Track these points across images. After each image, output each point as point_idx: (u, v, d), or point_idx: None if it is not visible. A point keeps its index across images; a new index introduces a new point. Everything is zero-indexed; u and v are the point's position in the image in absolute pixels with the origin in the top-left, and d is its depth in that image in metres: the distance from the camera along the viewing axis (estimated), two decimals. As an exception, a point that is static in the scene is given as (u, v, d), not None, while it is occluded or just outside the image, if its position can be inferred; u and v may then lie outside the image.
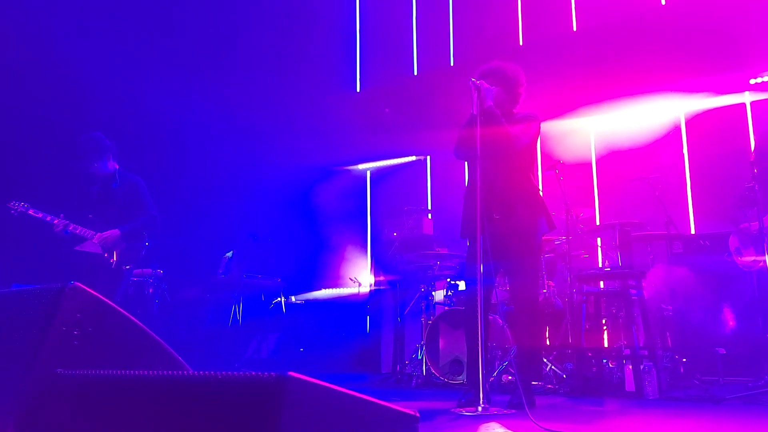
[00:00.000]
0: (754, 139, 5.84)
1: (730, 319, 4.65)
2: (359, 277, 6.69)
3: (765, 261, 3.67)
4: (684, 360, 4.67)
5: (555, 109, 6.44)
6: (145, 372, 1.27)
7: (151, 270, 5.62)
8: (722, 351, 4.48)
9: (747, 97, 5.98)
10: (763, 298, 3.81)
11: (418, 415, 1.32)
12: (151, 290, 5.66)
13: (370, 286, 6.61)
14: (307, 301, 7.19)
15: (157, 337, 1.61)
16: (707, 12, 6.11)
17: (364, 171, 8.37)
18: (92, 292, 1.51)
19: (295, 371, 1.05)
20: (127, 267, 4.39)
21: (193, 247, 7.00)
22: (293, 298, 7.10)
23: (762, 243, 3.74)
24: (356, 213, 8.15)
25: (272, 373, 1.01)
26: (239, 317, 6.45)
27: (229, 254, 6.94)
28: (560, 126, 6.66)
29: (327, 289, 7.46)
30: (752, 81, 5.88)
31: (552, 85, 6.48)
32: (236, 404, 1.08)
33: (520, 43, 7.43)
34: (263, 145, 7.99)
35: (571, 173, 5.57)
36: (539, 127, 3.52)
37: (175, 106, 6.85)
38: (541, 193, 3.72)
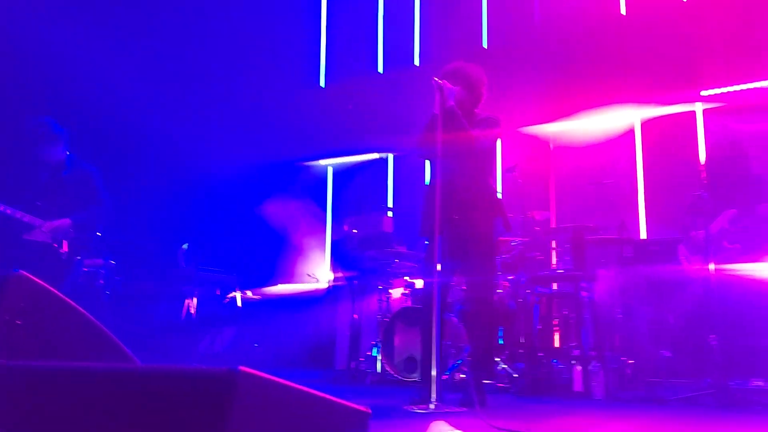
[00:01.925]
0: (705, 149, 6.06)
1: (675, 324, 4.80)
2: (317, 273, 6.66)
3: (710, 268, 3.81)
4: (631, 362, 4.80)
5: (515, 113, 6.54)
6: (92, 364, 1.24)
7: (102, 260, 5.46)
8: (667, 354, 4.64)
9: (698, 106, 6.19)
10: (707, 305, 3.95)
11: (369, 411, 1.32)
12: (102, 281, 5.50)
13: (328, 282, 6.59)
14: (264, 296, 7.12)
15: (105, 329, 1.57)
16: (665, 24, 6.31)
17: (326, 167, 8.34)
18: (38, 281, 1.47)
19: (248, 366, 1.04)
20: (78, 257, 4.27)
21: (148, 238, 6.85)
22: (249, 293, 7.02)
23: (708, 250, 3.88)
24: (318, 208, 8.12)
25: (222, 367, 1.00)
26: (193, 311, 6.34)
27: (185, 246, 6.82)
28: (520, 129, 6.77)
29: (284, 285, 7.41)
30: (703, 93, 6.09)
31: (513, 89, 6.58)
32: (184, 398, 1.06)
33: (484, 46, 7.52)
34: (224, 138, 7.86)
35: (529, 176, 5.67)
36: (500, 130, 3.57)
37: (133, 95, 6.68)
38: (499, 195, 3.78)
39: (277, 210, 7.65)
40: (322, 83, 8.62)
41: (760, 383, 3.73)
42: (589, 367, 4.02)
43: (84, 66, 6.23)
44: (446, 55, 7.00)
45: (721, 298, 3.71)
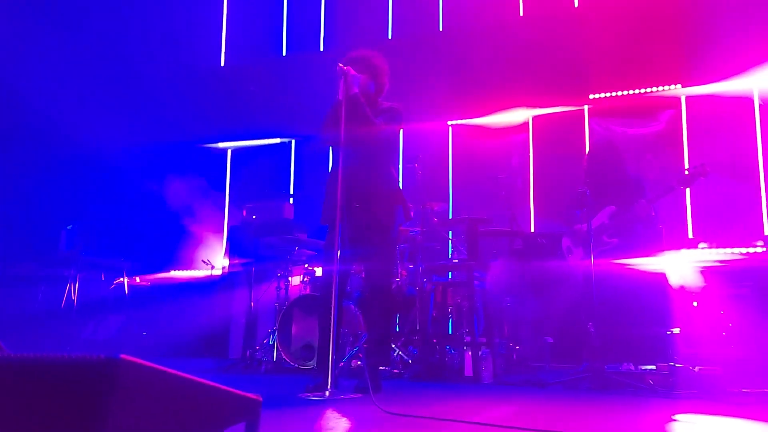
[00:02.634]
0: (588, 147, 6.47)
1: (558, 312, 5.11)
2: (212, 259, 6.46)
3: (591, 261, 4.08)
4: (517, 348, 5.08)
5: (417, 105, 6.65)
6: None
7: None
8: (550, 340, 4.95)
9: (586, 108, 6.60)
10: (587, 294, 4.23)
11: (260, 399, 1.30)
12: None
13: (223, 269, 6.40)
14: (155, 283, 6.81)
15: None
16: (559, 28, 6.65)
17: (225, 150, 8.08)
18: None
19: (134, 355, 0.99)
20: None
21: (27, 218, 6.34)
22: (138, 279, 6.68)
23: (589, 243, 4.16)
24: (215, 192, 7.86)
25: (101, 355, 0.94)
26: (74, 296, 5.95)
27: (69, 227, 6.37)
28: (421, 121, 6.90)
29: (177, 271, 7.12)
30: (591, 96, 6.50)
31: (416, 82, 6.70)
32: (61, 388, 0.99)
33: (389, 37, 7.58)
34: (117, 117, 7.41)
35: (429, 168, 5.80)
36: (402, 120, 3.61)
37: (21, 72, 6.13)
38: (400, 185, 3.83)
39: (171, 193, 7.32)
40: (222, 62, 8.33)
41: (631, 367, 4.05)
42: (479, 353, 4.20)
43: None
44: (352, 43, 7.00)
45: (599, 289, 3.99)
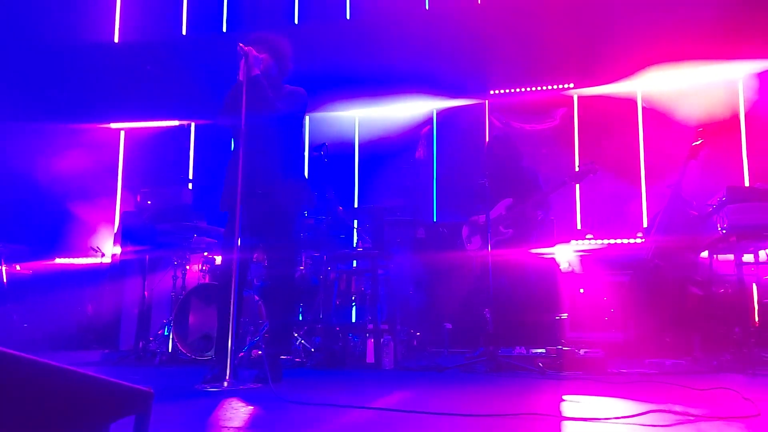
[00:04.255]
0: (488, 140, 6.71)
1: (457, 299, 5.28)
2: (103, 246, 6.09)
3: (488, 250, 4.24)
4: (418, 334, 5.20)
5: (322, 93, 6.59)
6: None
7: None
8: (449, 326, 5.11)
9: (487, 102, 6.83)
10: (483, 282, 4.40)
11: (152, 391, 1.23)
12: None
13: (114, 256, 6.05)
14: (37, 271, 6.33)
15: None
16: (462, 22, 6.82)
17: (118, 131, 7.62)
18: None
19: (13, 348, 0.90)
20: None
21: None
22: (18, 267, 6.18)
23: (487, 233, 4.32)
24: (105, 176, 7.40)
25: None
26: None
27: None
28: (327, 110, 6.86)
29: (63, 258, 6.65)
30: (492, 91, 6.73)
31: (322, 69, 6.63)
32: None
33: (296, 22, 7.46)
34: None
35: (335, 157, 5.77)
36: (306, 104, 3.55)
37: None
38: (306, 173, 3.78)
39: (57, 177, 6.82)
40: (116, 38, 7.83)
41: (523, 351, 4.26)
42: (381, 340, 4.25)
43: None
44: (257, 26, 6.82)
45: (495, 277, 4.16)
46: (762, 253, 4.49)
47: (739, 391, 2.47)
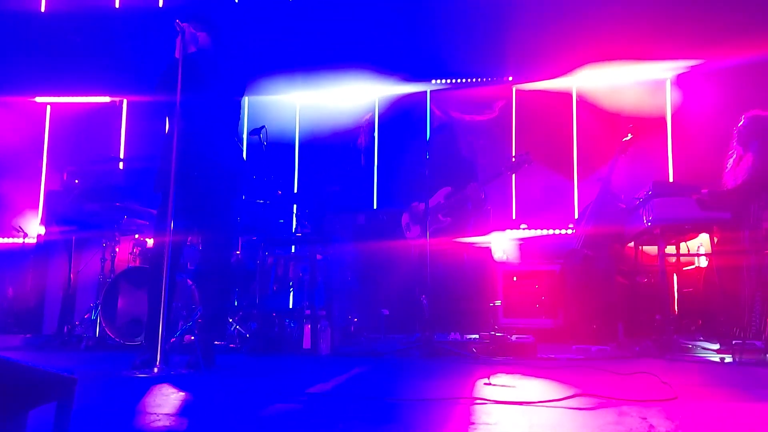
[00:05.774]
0: (430, 130, 6.76)
1: (394, 285, 5.32)
2: (26, 226, 5.78)
3: (426, 237, 4.29)
4: (355, 320, 5.21)
5: (262, 73, 6.44)
6: None
7: None
8: (386, 312, 5.14)
9: (428, 89, 6.86)
10: (420, 269, 4.45)
11: (75, 378, 1.18)
12: None
13: (38, 237, 5.76)
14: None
15: None
16: (406, 9, 6.81)
17: (44, 105, 7.22)
18: None
19: None
20: None
21: None
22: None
23: (425, 221, 4.36)
24: (30, 152, 7.00)
25: None
26: None
27: None
28: (268, 93, 6.72)
29: (-19, 238, 6.28)
30: (433, 81, 6.77)
31: (262, 48, 6.48)
32: None
33: (235, 0, 7.25)
34: None
35: (276, 142, 5.67)
36: (244, 85, 3.46)
37: None
38: (244, 156, 3.70)
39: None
40: (42, 7, 7.39)
41: (458, 336, 4.35)
42: (318, 326, 4.24)
43: None
44: (194, 2, 6.59)
45: (432, 264, 4.21)
46: (683, 245, 4.75)
47: (658, 376, 2.60)
